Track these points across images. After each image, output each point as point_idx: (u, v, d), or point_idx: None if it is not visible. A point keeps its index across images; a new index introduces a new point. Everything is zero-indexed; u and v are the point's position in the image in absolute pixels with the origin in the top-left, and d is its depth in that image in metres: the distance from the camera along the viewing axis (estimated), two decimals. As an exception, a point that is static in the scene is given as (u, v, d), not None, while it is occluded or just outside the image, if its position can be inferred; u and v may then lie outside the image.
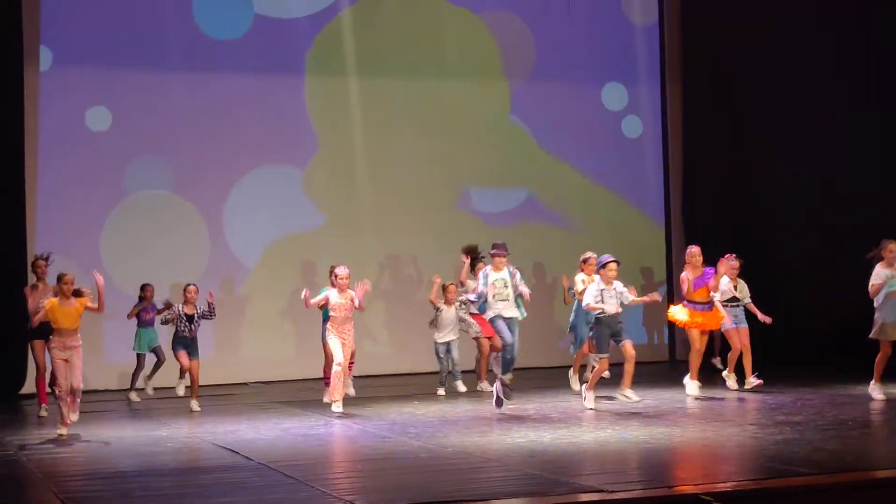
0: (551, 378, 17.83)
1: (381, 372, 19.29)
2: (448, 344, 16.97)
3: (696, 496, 9.41)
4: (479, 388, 16.93)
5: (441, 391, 16.78)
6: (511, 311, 14.66)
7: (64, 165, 18.50)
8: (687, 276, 15.95)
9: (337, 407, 14.83)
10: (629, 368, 14.74)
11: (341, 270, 15.28)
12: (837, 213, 19.61)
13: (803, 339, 19.35)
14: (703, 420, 13.52)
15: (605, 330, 14.65)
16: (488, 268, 14.85)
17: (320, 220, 19.78)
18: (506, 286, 14.62)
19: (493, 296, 14.61)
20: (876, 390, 14.73)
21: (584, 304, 15.12)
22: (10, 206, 17.86)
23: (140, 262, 18.26)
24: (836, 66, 19.63)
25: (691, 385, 15.82)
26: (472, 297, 15.42)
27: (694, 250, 16.10)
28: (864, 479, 10.19)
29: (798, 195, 20.00)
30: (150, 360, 17.06)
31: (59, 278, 13.73)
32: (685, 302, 15.97)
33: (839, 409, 14.04)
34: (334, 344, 15.13)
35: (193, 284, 16.04)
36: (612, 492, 9.63)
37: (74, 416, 13.76)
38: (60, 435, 13.43)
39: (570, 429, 13.12)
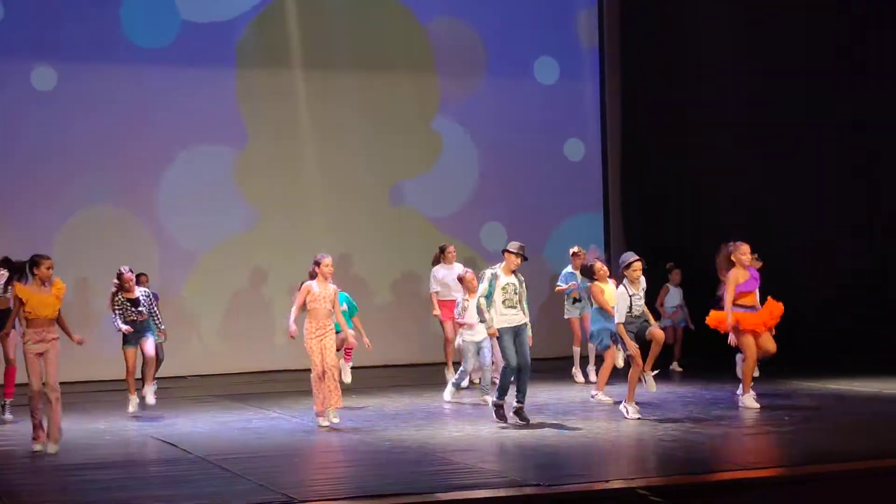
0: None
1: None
2: (479, 343, 15.05)
3: (633, 490, 9.51)
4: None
5: (448, 397, 15.19)
6: (521, 319, 13.25)
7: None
8: (735, 277, 13.96)
9: (323, 422, 13.28)
10: (655, 350, 13.43)
11: (326, 258, 13.51)
12: (781, 229, 18.81)
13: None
14: (641, 415, 13.60)
15: (632, 330, 13.38)
16: (497, 268, 13.39)
17: (256, 216, 19.69)
18: (516, 292, 13.24)
19: (503, 301, 13.19)
20: None
21: (616, 320, 13.50)
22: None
23: (84, 260, 18.23)
24: (779, 80, 19.37)
25: (749, 399, 14.00)
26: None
27: (745, 248, 14.08)
28: (794, 473, 10.35)
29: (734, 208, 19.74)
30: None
31: (36, 262, 12.07)
32: (732, 306, 13.97)
33: (774, 404, 14.21)
34: (313, 348, 13.26)
35: (128, 272, 14.61)
36: (550, 485, 9.72)
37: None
38: (37, 451, 11.93)
39: (509, 423, 13.17)
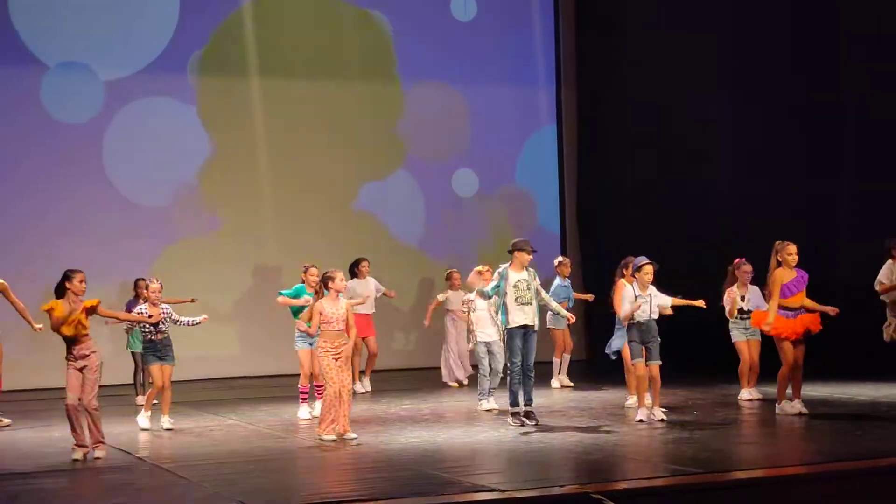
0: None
1: (271, 373, 19.24)
2: (489, 344, 14.82)
3: (588, 495, 9.51)
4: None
5: (486, 403, 14.76)
6: (532, 319, 13.25)
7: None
8: (780, 277, 13.47)
9: (328, 436, 12.54)
10: (655, 388, 13.47)
11: (337, 273, 12.79)
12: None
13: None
14: (597, 420, 13.66)
15: (637, 335, 13.33)
16: (505, 267, 13.36)
17: (214, 222, 19.70)
18: (528, 288, 13.18)
19: (516, 299, 13.15)
20: None
21: (620, 315, 13.51)
22: None
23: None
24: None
25: (788, 406, 13.66)
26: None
27: (792, 247, 13.50)
28: (748, 478, 10.40)
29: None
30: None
31: (68, 276, 11.74)
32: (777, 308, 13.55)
33: (727, 409, 14.32)
34: (330, 367, 12.54)
35: (155, 282, 13.99)
36: (505, 491, 9.71)
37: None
38: (75, 459, 11.74)
39: (464, 428, 13.21)
